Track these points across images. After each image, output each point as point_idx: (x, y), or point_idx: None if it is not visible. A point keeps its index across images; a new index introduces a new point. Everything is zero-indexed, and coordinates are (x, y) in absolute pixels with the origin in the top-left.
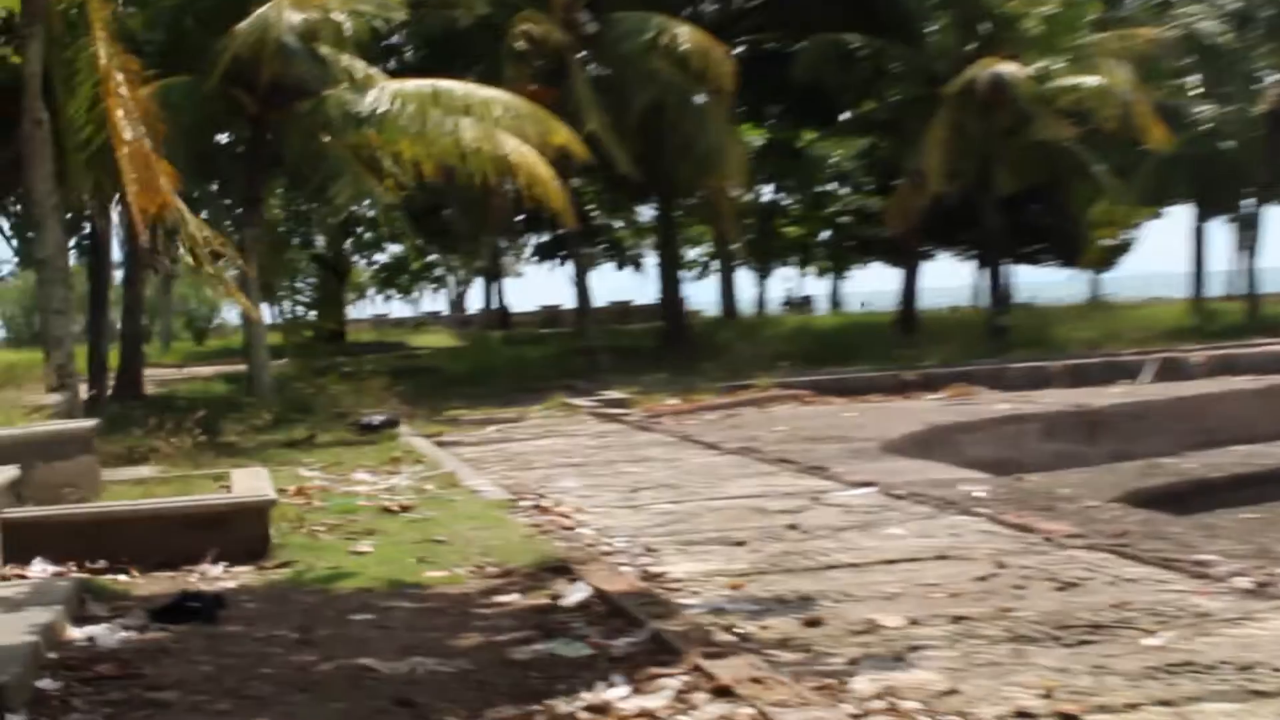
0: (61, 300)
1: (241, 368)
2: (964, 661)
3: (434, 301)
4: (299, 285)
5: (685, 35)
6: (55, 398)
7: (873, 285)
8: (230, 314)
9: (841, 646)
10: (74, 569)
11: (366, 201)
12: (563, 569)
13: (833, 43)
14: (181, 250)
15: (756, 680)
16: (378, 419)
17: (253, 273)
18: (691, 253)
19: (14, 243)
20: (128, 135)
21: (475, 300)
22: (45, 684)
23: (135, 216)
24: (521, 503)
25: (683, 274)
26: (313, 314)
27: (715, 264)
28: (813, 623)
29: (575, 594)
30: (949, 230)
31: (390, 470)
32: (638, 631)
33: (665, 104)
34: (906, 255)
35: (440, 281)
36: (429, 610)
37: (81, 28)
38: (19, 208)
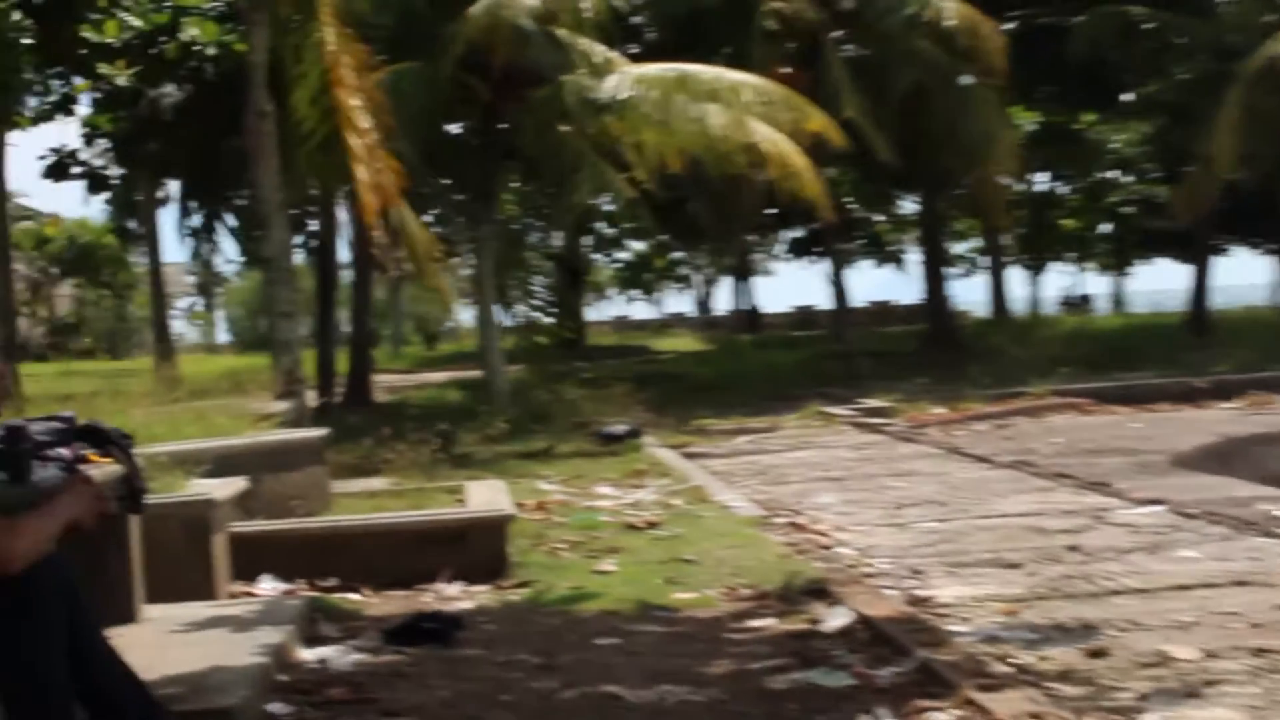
0: (288, 302)
1: (475, 374)
2: (1267, 699)
3: (678, 302)
4: (535, 286)
5: (951, 10)
6: (283, 405)
7: (1159, 283)
8: (463, 316)
9: (1129, 680)
10: (304, 587)
11: (607, 195)
12: (821, 592)
13: (1114, 16)
14: (402, 254)
15: (1035, 716)
16: (620, 429)
17: (487, 273)
18: (958, 248)
19: (239, 241)
20: (361, 125)
21: (722, 301)
22: (275, 708)
23: (365, 214)
24: (775, 519)
25: (948, 271)
26: (550, 316)
27: (984, 260)
28: (1097, 653)
29: (835, 619)
30: (1245, 222)
31: (634, 484)
32: (904, 661)
33: (929, 86)
34: (1197, 250)
35: (685, 281)
36: (678, 635)
37: (308, 12)
38: (244, 204)
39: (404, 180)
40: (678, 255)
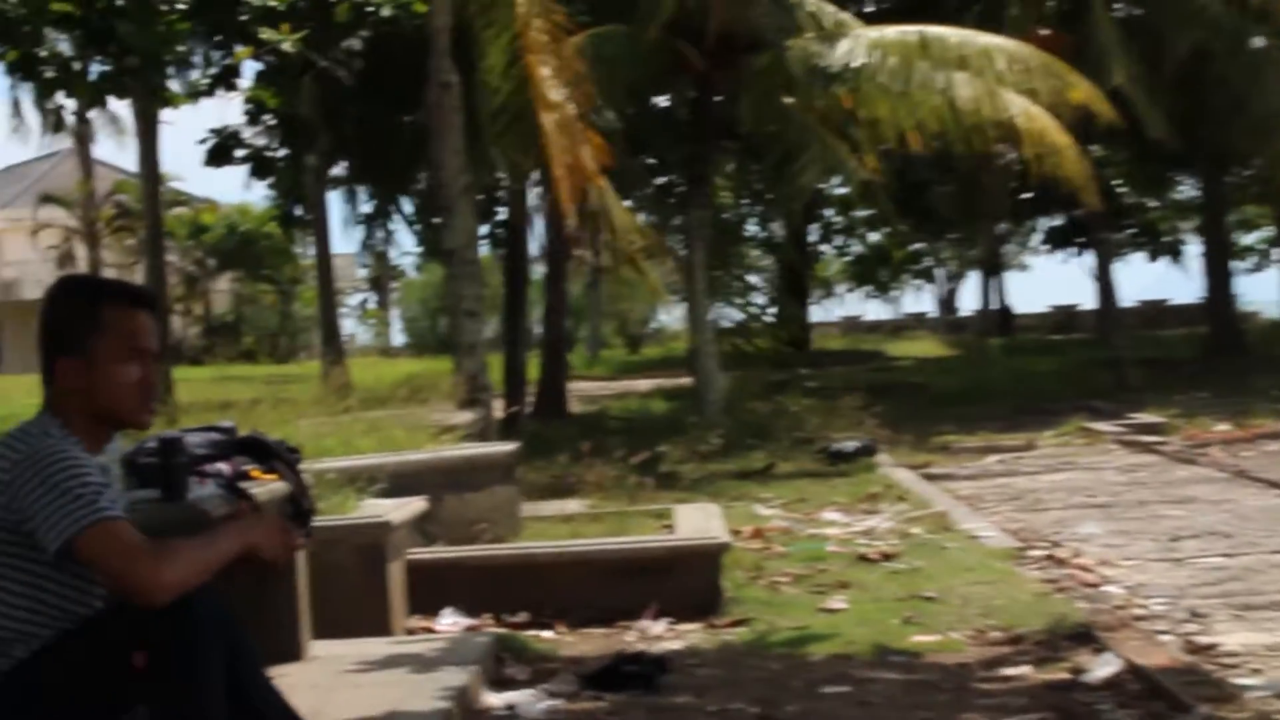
0: (473, 299)
1: (684, 381)
2: None
3: (918, 301)
4: (753, 282)
5: None
6: (466, 416)
7: None
8: (670, 316)
9: None
10: (490, 622)
11: (836, 178)
12: (1086, 636)
13: None
14: (602, 243)
15: None
16: (850, 446)
17: (697, 267)
18: (1246, 239)
19: (417, 230)
20: (553, 98)
21: (969, 300)
22: None
23: (560, 198)
24: (1031, 552)
25: (1234, 265)
26: (769, 317)
27: (1276, 253)
28: None
29: (1102, 668)
30: None
31: (867, 509)
32: (1184, 718)
33: (1213, 50)
34: None
35: (926, 276)
36: (918, 683)
37: None
38: (423, 189)
39: (606, 158)
40: (918, 247)
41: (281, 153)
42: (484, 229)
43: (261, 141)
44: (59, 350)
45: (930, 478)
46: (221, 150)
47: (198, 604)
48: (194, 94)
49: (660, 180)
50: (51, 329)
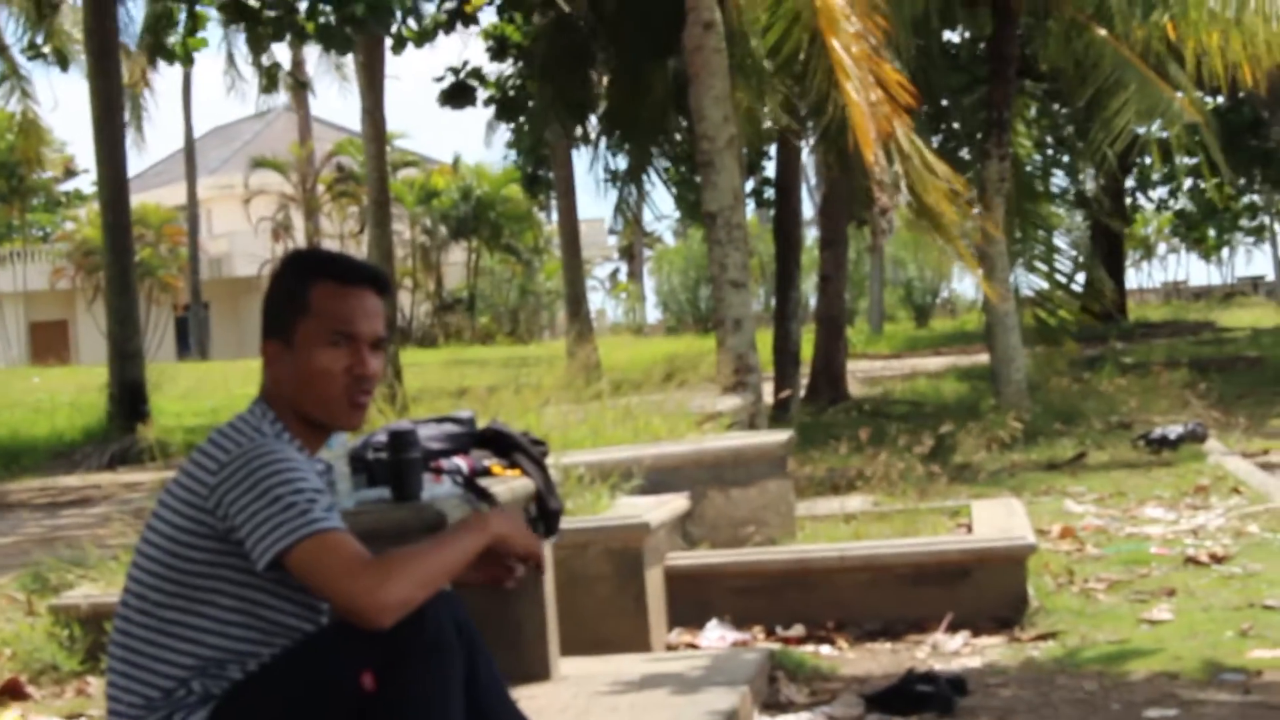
0: (739, 268)
1: (981, 359)
2: None
3: (1253, 263)
4: (1060, 243)
5: None
6: (732, 401)
7: None
8: (964, 285)
9: None
10: (761, 636)
11: (1157, 122)
12: None
13: None
14: (904, 196)
15: None
16: (1174, 431)
17: (997, 228)
18: None
19: (675, 191)
20: (848, 28)
21: None
22: None
23: (862, 143)
24: None
25: None
26: (1079, 283)
27: None
28: None
29: None
30: None
31: (1195, 504)
32: None
33: None
34: None
35: (1262, 234)
36: (1256, 706)
37: None
38: (681, 143)
39: (909, 98)
40: (1252, 199)
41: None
42: (749, 187)
43: (504, 79)
44: (267, 332)
45: (1269, 467)
46: (460, 90)
47: (433, 617)
48: (428, 31)
49: (953, 126)
50: (265, 308)
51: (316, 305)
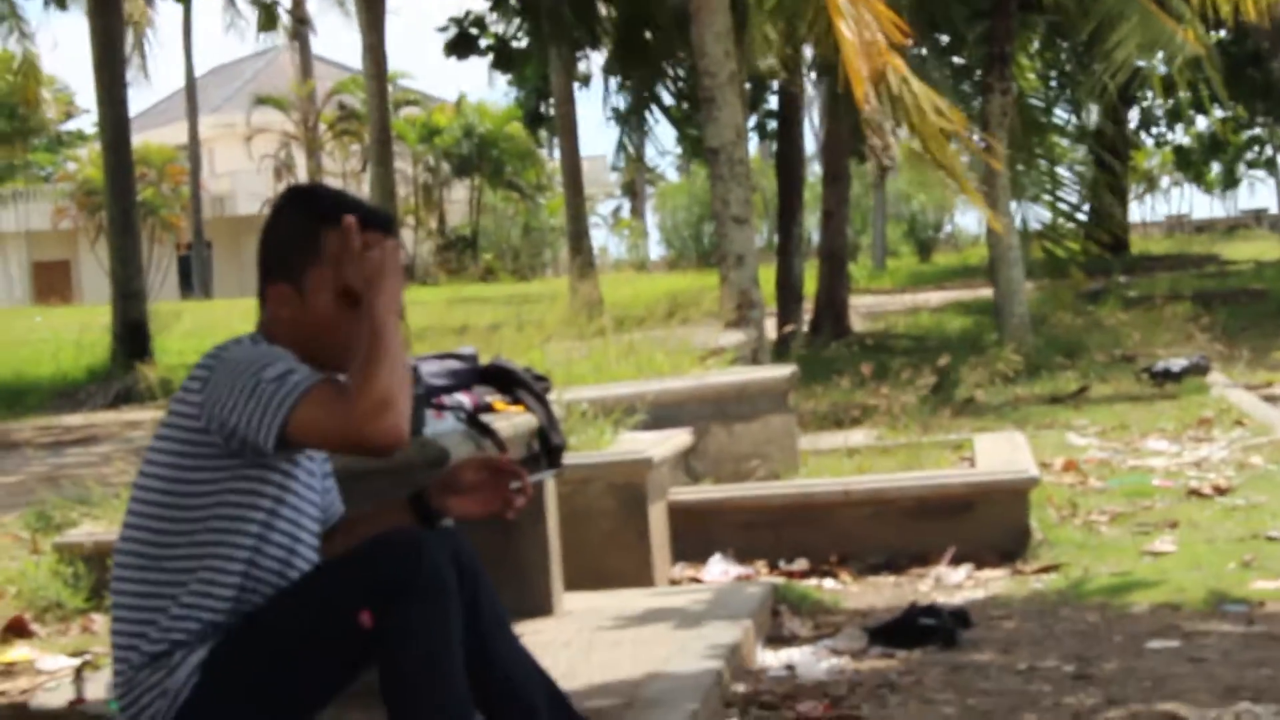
0: (741, 204)
1: (984, 293)
2: None
3: (1257, 196)
4: (1063, 176)
5: None
6: (735, 336)
7: None
8: (967, 219)
9: None
10: (764, 570)
11: (1158, 54)
12: None
13: None
14: (901, 132)
15: None
16: (1178, 364)
17: (999, 162)
18: None
19: (678, 127)
20: None
21: None
22: None
23: (854, 81)
24: None
25: None
26: (1083, 216)
27: None
28: None
29: None
30: None
31: (1198, 436)
32: None
33: None
34: None
35: (1267, 167)
36: (1259, 636)
37: None
38: (682, 78)
39: (902, 36)
40: (1255, 133)
41: (526, 42)
42: (752, 122)
43: (505, 29)
44: (273, 274)
45: (1272, 399)
46: (463, 40)
47: (430, 556)
48: None
49: (956, 61)
50: (269, 247)
51: (330, 252)
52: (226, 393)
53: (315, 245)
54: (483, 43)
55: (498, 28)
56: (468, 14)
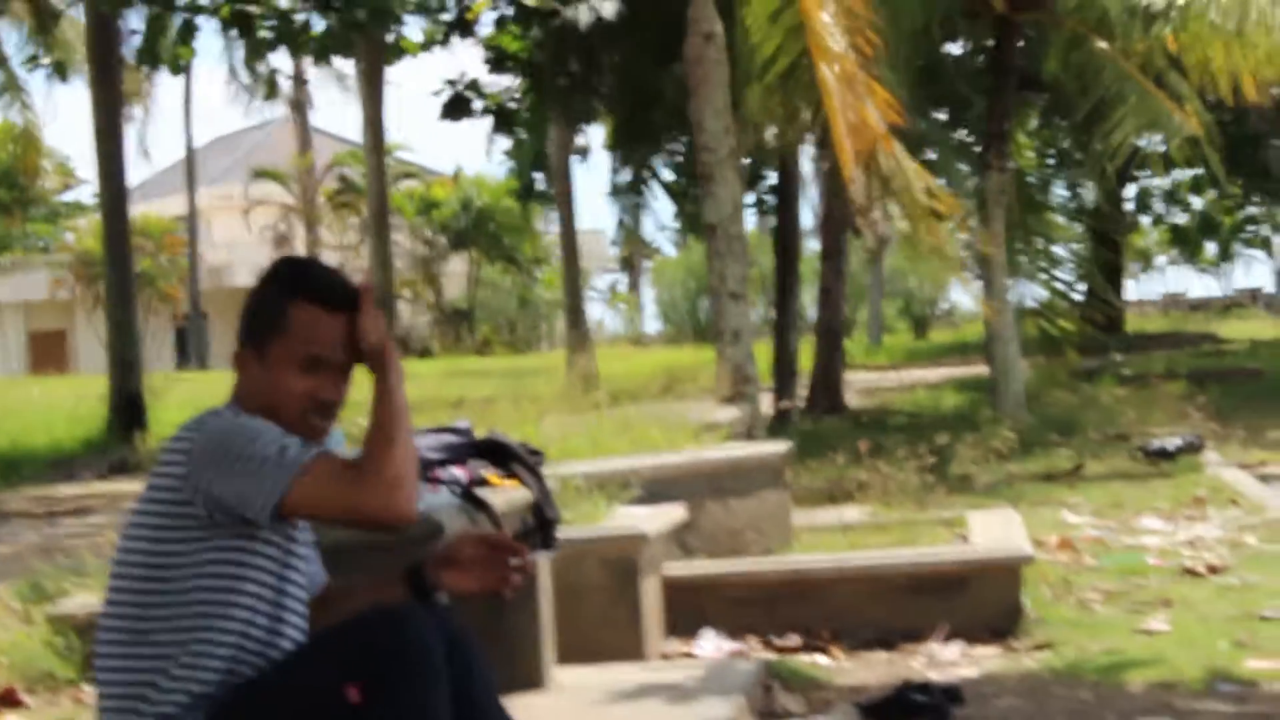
0: (738, 279)
1: (979, 370)
2: None
3: (1252, 275)
4: (1060, 255)
5: None
6: (731, 412)
7: None
8: (962, 296)
9: None
10: (756, 646)
11: (1157, 134)
12: None
13: None
14: (894, 211)
15: None
16: (1173, 443)
17: (996, 239)
18: None
19: (677, 202)
20: (833, 47)
21: None
22: None
23: (843, 161)
24: None
25: None
26: (1079, 294)
27: None
28: None
29: None
30: None
31: (1192, 515)
32: None
33: None
34: None
35: (1262, 246)
36: (1252, 716)
37: None
38: (681, 153)
39: (895, 115)
40: (1251, 212)
41: (524, 106)
42: (749, 199)
43: (503, 93)
44: (242, 341)
45: (1266, 479)
46: (459, 103)
47: (417, 635)
48: (428, 42)
49: (955, 139)
50: (242, 316)
51: (294, 326)
52: (214, 466)
53: (283, 317)
54: (478, 105)
55: (496, 91)
56: (463, 74)
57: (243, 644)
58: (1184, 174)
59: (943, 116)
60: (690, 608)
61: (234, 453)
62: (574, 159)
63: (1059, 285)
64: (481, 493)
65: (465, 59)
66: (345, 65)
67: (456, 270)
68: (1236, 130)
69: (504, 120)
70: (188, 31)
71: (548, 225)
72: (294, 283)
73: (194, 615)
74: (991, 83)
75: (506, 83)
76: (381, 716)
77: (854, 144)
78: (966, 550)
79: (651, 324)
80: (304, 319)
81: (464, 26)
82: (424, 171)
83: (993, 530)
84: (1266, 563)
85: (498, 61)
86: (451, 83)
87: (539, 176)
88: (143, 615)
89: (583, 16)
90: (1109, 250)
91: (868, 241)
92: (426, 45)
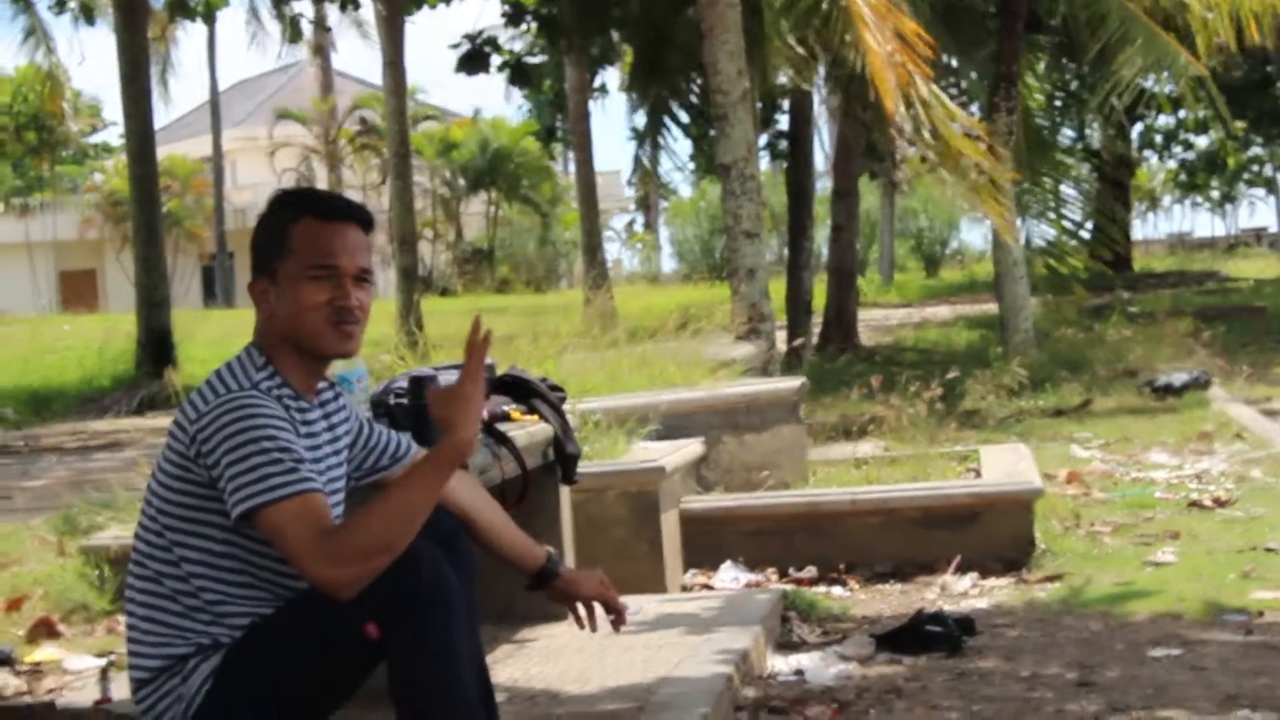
0: (753, 219)
1: (989, 308)
2: None
3: (1257, 214)
4: (1068, 194)
5: None
6: (745, 349)
7: None
8: (973, 235)
9: None
10: (773, 578)
11: (1163, 75)
12: None
13: None
14: (924, 142)
15: None
16: (1179, 378)
17: (1006, 176)
18: None
19: (694, 142)
20: None
21: None
22: None
23: (883, 92)
24: None
25: None
26: (1086, 233)
27: None
28: None
29: None
30: None
31: (1199, 449)
32: None
33: None
34: None
35: (1267, 185)
36: (1258, 646)
37: None
38: (695, 94)
39: (927, 49)
40: (1257, 152)
41: (541, 59)
42: (763, 139)
43: (519, 45)
44: (254, 271)
45: (1271, 414)
46: (476, 56)
47: (431, 566)
48: None
49: (964, 81)
50: (251, 248)
51: (297, 243)
52: (219, 443)
53: (285, 239)
54: (495, 59)
55: (514, 44)
56: (481, 32)
57: (267, 578)
58: (1190, 114)
59: (952, 61)
60: (708, 541)
61: (238, 440)
62: (591, 101)
63: (1067, 224)
64: (503, 428)
65: (482, 15)
66: (366, 11)
67: (476, 211)
68: (1246, 71)
69: (520, 73)
70: None
71: (565, 166)
72: (291, 205)
73: (221, 547)
74: (999, 25)
75: (521, 37)
76: (401, 649)
77: (893, 77)
78: (978, 484)
79: (668, 263)
80: (305, 233)
81: None
82: (443, 113)
83: (1003, 464)
84: (1272, 496)
85: (515, 15)
86: (470, 37)
87: (557, 118)
88: (169, 547)
89: None
90: (1116, 189)
91: (897, 175)
92: None
